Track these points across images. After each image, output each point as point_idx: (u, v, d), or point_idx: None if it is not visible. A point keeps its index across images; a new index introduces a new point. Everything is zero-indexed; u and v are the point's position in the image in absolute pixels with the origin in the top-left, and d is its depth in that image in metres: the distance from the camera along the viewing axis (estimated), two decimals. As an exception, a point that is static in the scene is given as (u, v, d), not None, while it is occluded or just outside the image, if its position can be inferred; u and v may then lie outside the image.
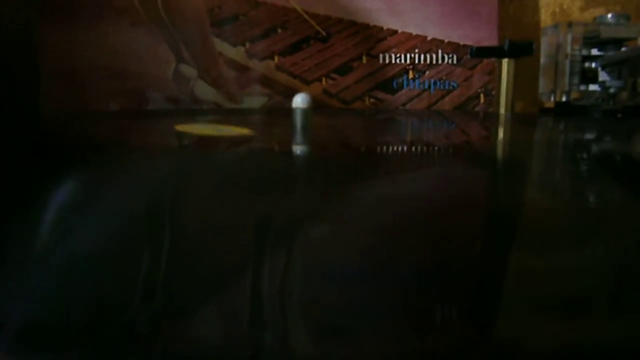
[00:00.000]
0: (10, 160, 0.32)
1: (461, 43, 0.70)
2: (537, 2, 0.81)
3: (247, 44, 0.70)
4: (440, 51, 0.71)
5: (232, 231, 0.18)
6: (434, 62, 0.71)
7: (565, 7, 0.81)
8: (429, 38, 0.71)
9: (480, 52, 0.59)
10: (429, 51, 0.71)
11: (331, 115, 0.61)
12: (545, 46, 0.58)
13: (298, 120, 0.36)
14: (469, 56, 0.65)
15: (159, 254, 0.16)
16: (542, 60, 0.59)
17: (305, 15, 0.70)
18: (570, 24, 0.55)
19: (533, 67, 0.78)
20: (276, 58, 0.70)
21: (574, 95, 0.56)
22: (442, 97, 0.71)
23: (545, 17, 0.82)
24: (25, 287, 0.14)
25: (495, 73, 0.70)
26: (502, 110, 0.59)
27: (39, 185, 0.25)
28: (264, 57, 0.70)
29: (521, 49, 0.57)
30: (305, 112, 0.36)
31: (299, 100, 0.35)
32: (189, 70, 0.70)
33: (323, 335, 0.11)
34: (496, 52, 0.58)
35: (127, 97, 0.70)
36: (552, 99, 0.57)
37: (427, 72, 0.71)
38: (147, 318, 0.12)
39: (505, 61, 0.58)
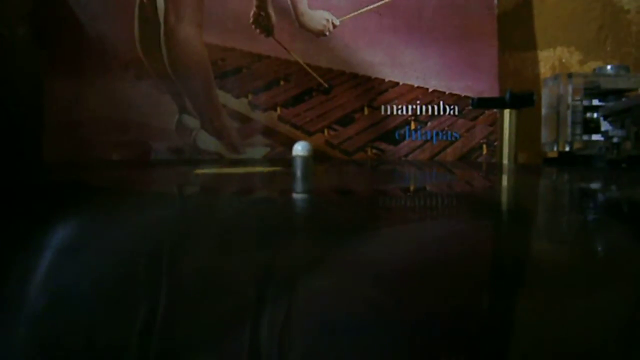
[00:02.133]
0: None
1: (462, 94, 0.71)
2: (537, 55, 0.83)
3: (250, 96, 0.71)
4: (441, 102, 0.71)
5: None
6: (436, 113, 0.71)
7: (564, 60, 0.83)
8: (430, 90, 0.71)
9: (482, 103, 0.60)
10: (431, 102, 0.71)
11: (335, 165, 0.61)
12: (546, 97, 0.58)
13: (298, 168, 0.35)
14: (470, 107, 0.66)
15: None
16: (544, 111, 0.59)
17: (308, 68, 0.71)
18: (570, 75, 0.55)
19: (535, 119, 0.78)
20: (279, 109, 0.71)
21: (576, 145, 0.56)
22: (445, 148, 0.71)
23: (544, 71, 0.83)
24: (24, 335, 0.13)
25: (497, 124, 0.71)
26: (504, 161, 0.59)
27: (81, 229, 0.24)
28: (266, 109, 0.71)
29: (522, 99, 0.57)
30: (306, 160, 0.35)
31: (299, 148, 0.35)
32: (191, 121, 0.71)
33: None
34: (498, 103, 0.58)
35: (129, 147, 0.71)
36: (555, 149, 0.57)
37: (429, 123, 0.71)
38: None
39: (507, 112, 0.58)
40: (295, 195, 0.34)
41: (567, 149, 0.57)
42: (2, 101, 0.73)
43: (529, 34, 0.83)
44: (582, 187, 0.42)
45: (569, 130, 0.55)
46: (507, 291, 0.16)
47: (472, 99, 0.61)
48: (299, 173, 0.36)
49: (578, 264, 0.19)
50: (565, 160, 0.57)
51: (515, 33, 0.82)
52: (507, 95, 0.58)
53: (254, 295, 0.16)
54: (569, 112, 0.55)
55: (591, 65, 0.81)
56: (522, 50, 0.83)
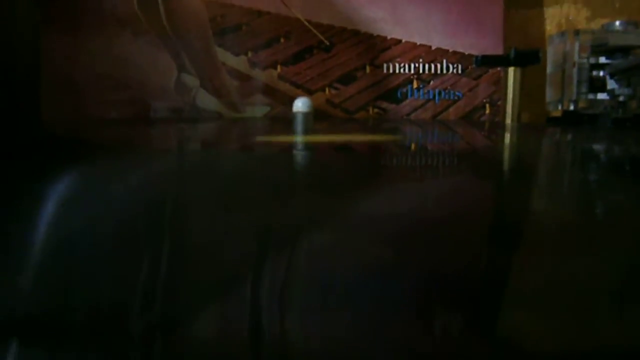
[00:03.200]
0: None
1: (466, 52, 0.70)
2: (543, 12, 0.81)
3: (250, 54, 0.70)
4: (445, 61, 0.70)
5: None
6: (439, 71, 0.70)
7: (571, 17, 0.80)
8: (433, 47, 0.70)
9: (486, 61, 0.58)
10: (434, 61, 0.70)
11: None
12: (551, 55, 0.57)
13: (300, 124, 0.34)
14: (474, 65, 0.65)
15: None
16: (549, 69, 0.58)
17: (308, 25, 0.69)
18: (577, 32, 0.54)
19: (539, 78, 0.77)
20: (279, 67, 0.70)
21: (581, 104, 0.55)
22: (447, 107, 0.70)
23: (550, 28, 0.81)
24: (27, 287, 0.13)
25: (501, 83, 0.70)
26: (508, 121, 0.58)
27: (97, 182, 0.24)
28: (266, 67, 0.70)
29: (527, 57, 0.56)
30: (307, 115, 0.35)
31: (300, 105, 0.34)
32: (191, 80, 0.70)
33: (323, 343, 0.11)
34: (502, 61, 0.57)
35: (128, 105, 0.70)
36: (560, 108, 0.56)
37: (431, 82, 0.70)
38: (147, 322, 0.11)
39: (511, 70, 0.57)
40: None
41: (571, 107, 0.56)
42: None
43: (535, -11, 0.81)
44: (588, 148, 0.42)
45: (574, 88, 0.54)
46: (511, 250, 0.16)
47: (476, 56, 0.60)
48: (299, 129, 0.36)
49: (580, 223, 0.19)
50: (569, 120, 0.56)
51: (522, -11, 0.80)
52: (512, 53, 0.57)
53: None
54: (574, 70, 0.54)
55: (599, 22, 0.79)
56: (527, 6, 0.80)
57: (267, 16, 0.69)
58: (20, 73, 0.73)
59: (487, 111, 0.70)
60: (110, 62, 0.69)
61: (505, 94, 0.60)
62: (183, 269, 0.14)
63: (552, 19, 0.81)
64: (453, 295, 0.12)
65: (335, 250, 0.15)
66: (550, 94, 0.57)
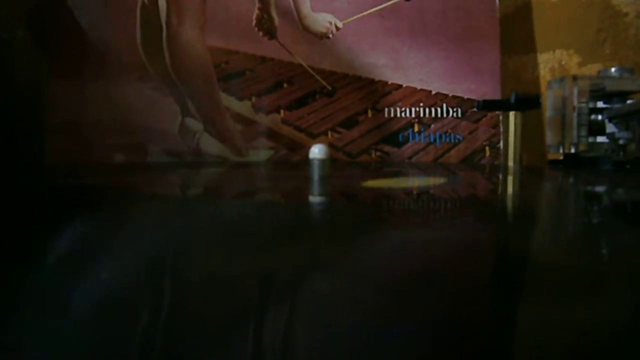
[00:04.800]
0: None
1: (465, 97, 0.71)
2: (536, 58, 0.83)
3: (254, 98, 0.71)
4: (444, 105, 0.71)
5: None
6: (439, 115, 0.71)
7: (563, 62, 0.83)
8: (433, 92, 0.72)
9: (488, 105, 0.60)
10: (434, 105, 0.71)
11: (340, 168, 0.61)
12: (551, 99, 0.59)
13: (315, 170, 0.35)
14: (475, 109, 0.66)
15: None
16: (549, 113, 0.60)
17: (311, 71, 0.71)
18: (575, 78, 0.56)
19: (536, 121, 0.79)
20: (282, 112, 0.71)
21: (582, 147, 0.56)
22: (448, 150, 0.71)
23: (544, 73, 0.84)
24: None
25: (500, 126, 0.71)
26: (510, 163, 0.59)
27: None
28: (270, 111, 0.71)
29: (528, 102, 0.57)
30: (323, 162, 0.35)
31: (316, 151, 0.35)
32: (194, 124, 0.70)
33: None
34: (503, 105, 0.58)
35: (131, 150, 0.70)
36: (561, 150, 0.57)
37: (432, 126, 0.71)
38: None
39: (512, 114, 0.59)
40: (312, 198, 0.34)
41: (572, 150, 0.57)
42: (1, 103, 0.72)
43: (528, 36, 0.84)
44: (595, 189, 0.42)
45: (574, 132, 0.56)
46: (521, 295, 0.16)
47: (478, 101, 0.61)
48: (316, 175, 0.36)
49: (586, 267, 0.19)
50: (570, 162, 0.57)
51: (515, 36, 0.82)
52: (513, 98, 0.58)
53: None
54: (574, 114, 0.56)
55: (590, 68, 0.82)
56: (521, 52, 0.83)
57: (271, 62, 0.71)
58: (22, 117, 0.74)
59: (487, 154, 0.71)
60: (114, 107, 0.70)
61: (507, 138, 0.62)
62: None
63: (545, 64, 0.83)
64: (463, 348, 0.12)
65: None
66: (550, 137, 0.58)
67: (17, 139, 0.73)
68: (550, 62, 0.84)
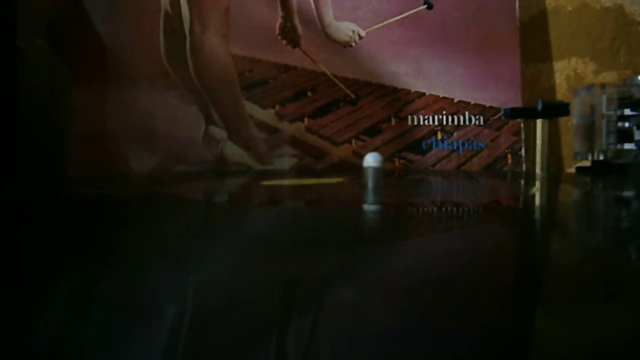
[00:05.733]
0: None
1: (487, 105, 0.72)
2: (552, 66, 0.84)
3: (277, 107, 0.71)
4: (467, 113, 0.72)
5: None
6: (462, 123, 0.72)
7: (579, 70, 0.84)
8: (455, 100, 0.72)
9: (514, 113, 0.60)
10: (456, 113, 0.72)
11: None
12: (577, 107, 0.59)
13: (369, 179, 0.35)
14: (503, 117, 0.67)
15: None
16: (575, 120, 0.60)
17: (334, 79, 0.71)
18: (603, 86, 0.56)
19: (553, 129, 0.79)
20: (306, 120, 0.71)
21: (609, 154, 0.57)
22: (471, 157, 0.72)
23: (560, 81, 0.85)
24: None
25: (522, 134, 0.72)
26: (537, 170, 0.60)
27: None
28: (293, 119, 0.71)
29: (556, 109, 0.58)
30: (377, 171, 0.35)
31: (370, 160, 0.35)
32: (218, 132, 0.70)
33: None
34: (530, 113, 0.59)
35: (155, 159, 0.70)
36: (590, 158, 0.58)
37: (455, 133, 0.72)
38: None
39: (539, 122, 0.59)
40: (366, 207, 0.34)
41: (601, 157, 0.57)
42: (21, 114, 0.72)
43: (544, 45, 0.84)
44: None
45: (603, 139, 0.56)
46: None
47: (505, 109, 0.62)
48: (370, 184, 0.36)
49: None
50: (599, 169, 0.58)
51: (531, 44, 0.83)
52: (539, 105, 0.59)
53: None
54: (603, 122, 0.56)
55: (605, 76, 0.83)
56: (538, 61, 0.84)
57: (294, 70, 0.71)
58: (41, 127, 0.73)
59: (509, 161, 0.71)
60: (138, 116, 0.70)
61: (531, 145, 0.62)
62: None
63: (561, 72, 0.84)
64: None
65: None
66: (577, 144, 0.59)
67: (37, 148, 0.72)
68: (565, 70, 0.84)
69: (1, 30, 0.70)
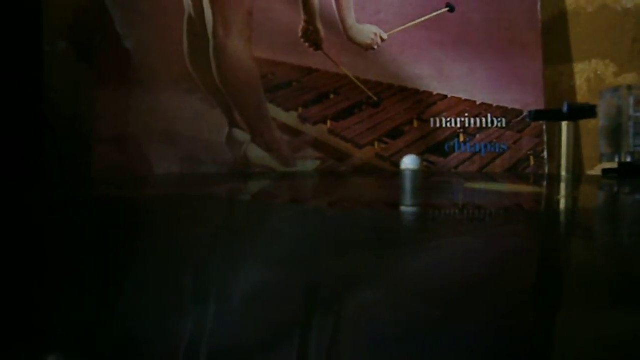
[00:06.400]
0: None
1: (509, 107, 0.72)
2: (572, 68, 0.84)
3: (300, 109, 0.71)
4: (489, 115, 0.72)
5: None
6: (484, 125, 0.72)
7: (599, 72, 0.84)
8: (478, 102, 0.72)
9: (540, 115, 0.60)
10: (479, 115, 0.72)
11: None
12: (604, 109, 0.59)
13: (408, 181, 0.35)
14: (528, 119, 0.67)
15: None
16: (602, 123, 0.60)
17: (357, 82, 0.72)
18: (630, 87, 0.56)
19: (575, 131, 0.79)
20: (329, 122, 0.71)
21: (637, 155, 0.57)
22: (493, 159, 0.72)
23: (580, 83, 0.84)
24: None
25: (544, 136, 0.72)
26: (563, 172, 0.60)
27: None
28: (316, 122, 0.71)
29: (582, 111, 0.58)
30: (415, 173, 0.35)
31: (408, 162, 0.35)
32: (242, 135, 0.71)
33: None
34: (556, 116, 0.59)
35: (179, 161, 0.71)
36: (617, 159, 0.58)
37: (477, 136, 0.72)
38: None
39: (565, 124, 0.59)
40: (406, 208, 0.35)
41: (628, 159, 0.57)
42: (46, 116, 0.72)
43: (564, 47, 0.84)
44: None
45: (630, 141, 0.56)
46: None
47: (530, 111, 0.62)
48: (408, 186, 0.37)
49: None
50: (626, 171, 0.58)
51: (551, 46, 0.83)
52: (565, 108, 0.59)
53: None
54: (630, 124, 0.56)
55: (626, 78, 0.83)
56: (558, 63, 0.84)
57: (317, 73, 0.72)
58: (65, 129, 0.74)
59: (532, 163, 0.71)
60: (162, 119, 0.70)
61: (556, 147, 0.62)
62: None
63: (582, 74, 0.84)
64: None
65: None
66: (604, 146, 0.59)
67: (62, 151, 0.73)
68: (586, 72, 0.84)
69: (28, 35, 0.71)
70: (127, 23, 0.72)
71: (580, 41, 0.84)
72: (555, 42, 0.84)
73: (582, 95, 0.84)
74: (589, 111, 0.58)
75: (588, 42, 0.84)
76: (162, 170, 0.70)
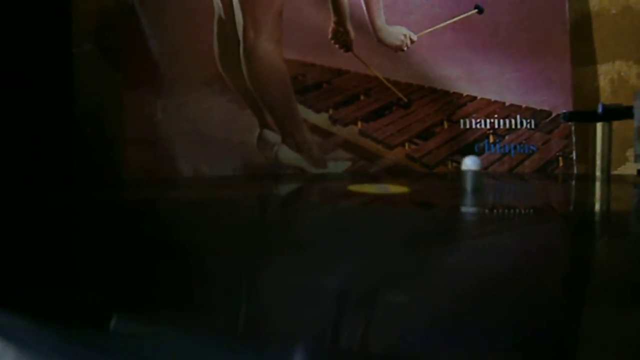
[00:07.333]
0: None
1: (538, 108, 0.72)
2: (596, 69, 0.84)
3: (331, 110, 0.71)
4: (518, 116, 0.72)
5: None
6: (513, 126, 0.72)
7: (622, 74, 0.84)
8: (507, 104, 0.73)
9: (574, 117, 0.61)
10: (508, 116, 0.72)
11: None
12: (639, 110, 0.59)
13: (468, 182, 0.35)
14: (562, 121, 0.67)
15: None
16: (637, 123, 0.60)
17: (387, 83, 0.72)
18: (666, 88, 0.56)
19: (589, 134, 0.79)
20: (359, 124, 0.71)
21: (672, 157, 0.57)
22: (523, 160, 0.72)
23: (604, 84, 0.85)
24: None
25: (572, 137, 0.72)
26: (598, 173, 0.60)
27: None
28: (347, 123, 0.71)
29: (618, 112, 0.58)
30: (476, 174, 0.36)
31: (469, 163, 0.35)
32: (273, 136, 0.71)
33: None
34: (590, 117, 0.59)
35: (210, 163, 0.71)
36: (654, 161, 0.58)
37: (507, 137, 0.72)
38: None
39: (599, 125, 0.59)
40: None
41: (665, 160, 0.58)
42: (75, 118, 0.72)
43: (588, 48, 0.85)
44: None
45: (667, 142, 0.56)
46: None
47: (564, 113, 0.62)
48: (469, 187, 0.37)
49: None
50: (662, 172, 0.58)
51: (575, 47, 0.83)
52: (600, 109, 0.59)
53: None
54: (667, 125, 0.56)
55: (649, 79, 0.83)
56: (582, 64, 0.84)
57: (347, 75, 0.72)
58: (95, 131, 0.74)
59: (561, 164, 0.72)
60: (193, 120, 0.70)
61: (594, 149, 0.63)
62: None
63: (605, 75, 0.85)
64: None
65: None
66: (639, 146, 0.59)
67: (91, 152, 0.73)
68: (609, 73, 0.85)
69: (57, 37, 0.71)
70: (156, 25, 0.72)
71: (603, 43, 0.84)
72: (579, 43, 0.84)
73: (606, 97, 0.84)
74: (624, 112, 0.58)
75: (611, 43, 0.84)
76: (191, 172, 0.70)
